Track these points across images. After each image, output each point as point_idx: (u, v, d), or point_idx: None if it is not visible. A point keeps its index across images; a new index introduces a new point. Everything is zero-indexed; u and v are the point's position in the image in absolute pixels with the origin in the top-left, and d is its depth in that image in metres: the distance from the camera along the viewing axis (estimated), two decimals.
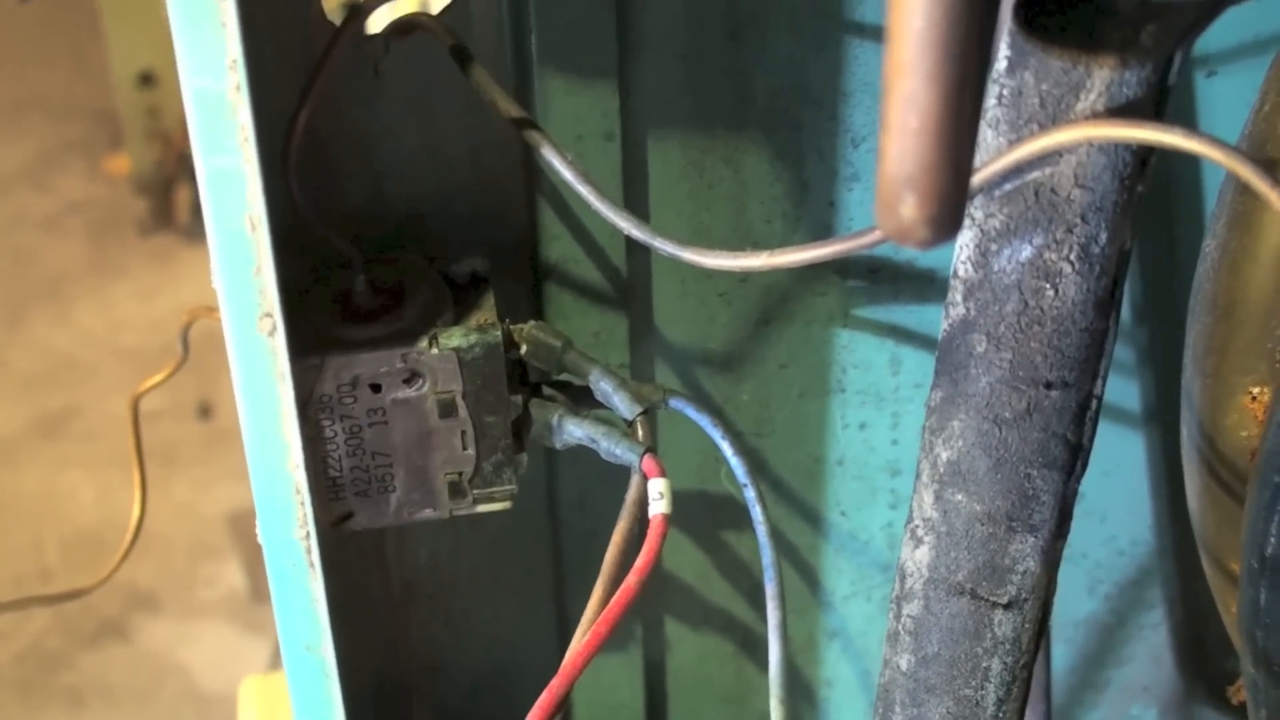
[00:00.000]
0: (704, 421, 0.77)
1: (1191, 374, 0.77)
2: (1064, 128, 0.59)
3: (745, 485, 0.77)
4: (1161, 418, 0.94)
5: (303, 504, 0.69)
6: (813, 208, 0.84)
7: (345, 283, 0.75)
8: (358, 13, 0.70)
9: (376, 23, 0.76)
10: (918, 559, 0.70)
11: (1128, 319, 0.91)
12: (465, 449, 0.75)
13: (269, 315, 0.65)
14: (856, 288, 0.88)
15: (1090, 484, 0.91)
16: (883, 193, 0.47)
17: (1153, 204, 0.88)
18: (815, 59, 0.81)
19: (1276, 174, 0.73)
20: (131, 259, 3.15)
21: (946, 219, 0.47)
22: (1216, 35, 0.82)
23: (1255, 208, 0.71)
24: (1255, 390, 0.73)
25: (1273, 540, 0.68)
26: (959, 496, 0.67)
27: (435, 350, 0.72)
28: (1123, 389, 0.94)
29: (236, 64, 0.60)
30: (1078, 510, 0.70)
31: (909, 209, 0.47)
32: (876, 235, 0.66)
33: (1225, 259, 0.75)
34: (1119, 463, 0.96)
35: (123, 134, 3.19)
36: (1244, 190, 0.71)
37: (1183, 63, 0.61)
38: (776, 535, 0.83)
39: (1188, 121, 0.85)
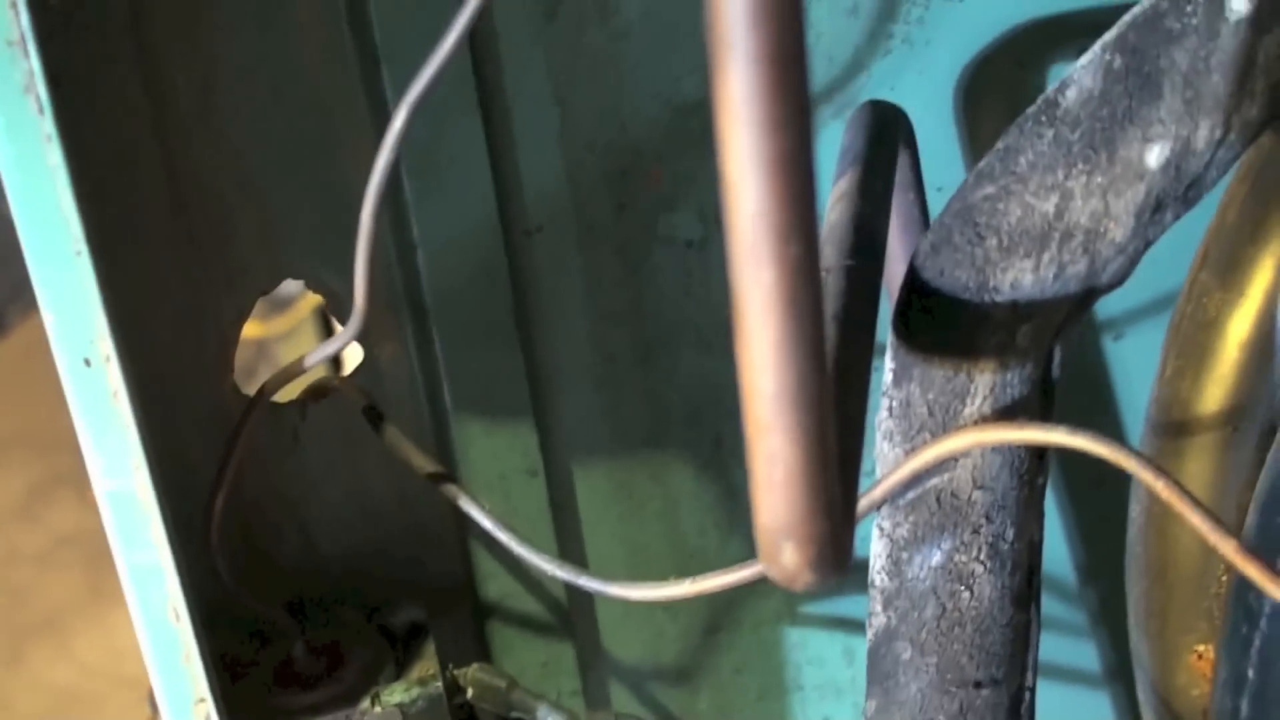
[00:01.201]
0: None
1: (1138, 637, 0.77)
2: (953, 435, 0.59)
3: None
4: (1122, 675, 0.93)
5: None
6: (744, 515, 0.84)
7: (285, 648, 0.75)
8: (264, 390, 0.71)
9: (291, 390, 0.77)
10: None
11: (1075, 581, 0.91)
12: None
13: (203, 700, 0.65)
14: None
15: None
16: (762, 543, 0.47)
17: (1081, 462, 0.89)
18: (726, 371, 0.81)
19: (1184, 438, 0.74)
20: None
21: (829, 560, 0.48)
22: (1118, 299, 0.83)
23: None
24: (1200, 649, 0.73)
25: None
26: None
27: (378, 709, 0.72)
28: (1080, 650, 0.93)
29: (140, 465, 0.61)
30: None
31: (789, 557, 0.47)
32: None
33: (1151, 523, 0.76)
34: None
35: None
36: None
37: (1064, 356, 0.62)
38: None
39: (1100, 385, 0.86)
